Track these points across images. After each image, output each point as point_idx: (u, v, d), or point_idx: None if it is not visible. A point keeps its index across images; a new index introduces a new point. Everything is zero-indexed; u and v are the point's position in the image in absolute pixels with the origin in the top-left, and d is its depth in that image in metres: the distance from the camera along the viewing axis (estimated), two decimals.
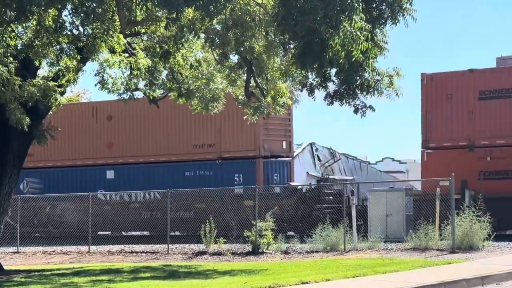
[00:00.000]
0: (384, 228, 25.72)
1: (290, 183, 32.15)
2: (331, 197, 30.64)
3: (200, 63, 21.79)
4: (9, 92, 18.47)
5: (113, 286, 17.35)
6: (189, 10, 15.97)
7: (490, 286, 16.05)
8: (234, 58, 21.34)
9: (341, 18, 14.71)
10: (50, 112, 22.77)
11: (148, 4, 15.88)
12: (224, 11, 15.77)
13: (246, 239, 25.48)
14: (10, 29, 17.64)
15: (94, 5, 17.14)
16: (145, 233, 34.17)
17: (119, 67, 19.34)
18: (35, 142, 22.93)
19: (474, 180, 28.06)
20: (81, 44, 18.57)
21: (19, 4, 15.83)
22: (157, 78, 21.78)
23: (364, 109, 19.16)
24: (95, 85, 19.57)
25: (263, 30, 18.62)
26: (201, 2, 14.64)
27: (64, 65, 19.17)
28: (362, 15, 15.06)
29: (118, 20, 17.77)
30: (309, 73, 18.84)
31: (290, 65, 19.95)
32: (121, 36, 18.15)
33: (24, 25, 17.94)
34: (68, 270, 22.02)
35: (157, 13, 17.89)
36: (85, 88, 57.95)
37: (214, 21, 17.50)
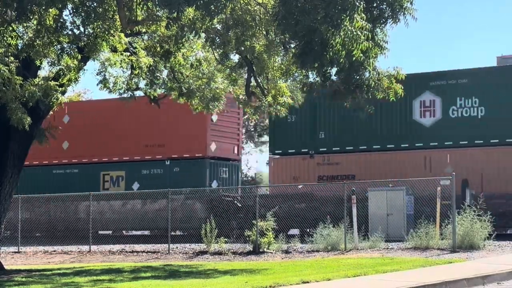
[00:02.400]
0: (385, 228, 25.70)
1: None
2: None
3: (201, 63, 21.82)
4: (10, 92, 18.48)
5: (114, 285, 17.34)
6: (190, 9, 15.99)
7: (491, 285, 16.04)
8: (234, 57, 21.36)
9: (342, 17, 14.71)
10: (51, 112, 22.80)
11: (148, 3, 15.89)
12: (224, 10, 15.79)
13: (247, 238, 25.49)
14: (11, 28, 17.65)
15: (95, 4, 17.15)
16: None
17: (120, 66, 19.36)
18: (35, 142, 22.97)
19: None
20: (82, 43, 18.57)
21: (19, 3, 15.84)
22: (158, 77, 21.80)
23: (363, 109, 19.16)
24: (97, 84, 19.61)
25: (263, 29, 18.63)
26: (201, 1, 14.66)
27: (65, 65, 19.18)
28: (363, 15, 15.07)
29: (118, 19, 17.78)
30: (310, 73, 18.85)
31: (291, 65, 19.97)
32: (122, 35, 18.17)
33: (24, 24, 17.94)
34: (69, 270, 22.03)
35: (158, 13, 17.89)
36: (85, 88, 58.10)
37: (215, 20, 17.50)
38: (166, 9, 15.57)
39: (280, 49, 19.56)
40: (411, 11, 16.42)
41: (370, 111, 19.21)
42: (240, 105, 23.62)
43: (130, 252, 27.52)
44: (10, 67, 18.47)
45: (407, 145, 30.95)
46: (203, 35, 19.01)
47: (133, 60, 19.58)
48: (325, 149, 32.50)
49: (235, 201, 32.60)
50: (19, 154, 22.01)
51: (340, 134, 32.32)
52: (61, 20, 18.09)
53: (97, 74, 19.45)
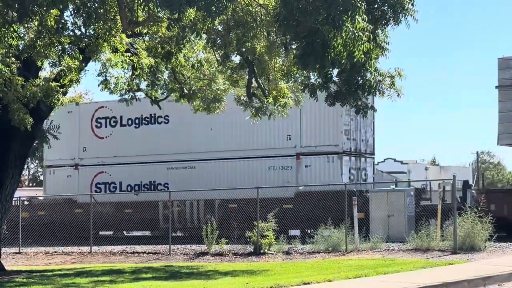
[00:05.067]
0: (386, 229, 25.70)
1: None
2: None
3: (202, 64, 21.80)
4: (12, 93, 18.49)
5: (115, 286, 17.35)
6: (191, 10, 15.97)
7: (492, 287, 16.04)
8: (235, 58, 21.36)
9: (344, 18, 14.71)
10: (52, 113, 22.80)
11: (149, 4, 15.88)
12: (225, 11, 15.77)
13: (248, 239, 25.46)
14: (12, 29, 17.65)
15: (96, 5, 17.16)
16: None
17: (121, 67, 19.35)
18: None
19: None
20: (83, 44, 18.57)
21: (21, 4, 15.85)
22: (159, 78, 21.79)
23: (365, 110, 19.17)
24: (98, 85, 19.60)
25: (264, 30, 18.62)
26: (203, 2, 14.65)
27: (66, 66, 19.18)
28: (364, 16, 15.07)
29: (120, 20, 17.77)
30: (311, 74, 18.84)
31: (292, 66, 19.96)
32: (123, 35, 18.16)
33: (26, 25, 17.94)
34: (70, 271, 22.03)
35: (159, 14, 17.88)
36: (87, 88, 58.00)
37: (216, 21, 17.50)
38: (167, 10, 15.56)
39: (281, 50, 19.55)
40: (412, 12, 16.43)
41: (372, 111, 19.22)
42: (241, 106, 23.57)
43: (131, 253, 27.51)
44: (11, 67, 18.48)
45: None
46: (204, 36, 19.00)
47: (134, 61, 19.57)
48: None
49: None
50: (20, 155, 22.01)
51: None
52: (62, 21, 18.09)
53: (98, 75, 19.45)
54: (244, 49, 19.26)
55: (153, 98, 23.19)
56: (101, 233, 33.62)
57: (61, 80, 19.72)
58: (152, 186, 35.01)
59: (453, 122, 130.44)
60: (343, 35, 14.88)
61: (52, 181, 37.07)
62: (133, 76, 20.97)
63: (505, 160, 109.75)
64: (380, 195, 27.29)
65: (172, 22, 16.03)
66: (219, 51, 20.56)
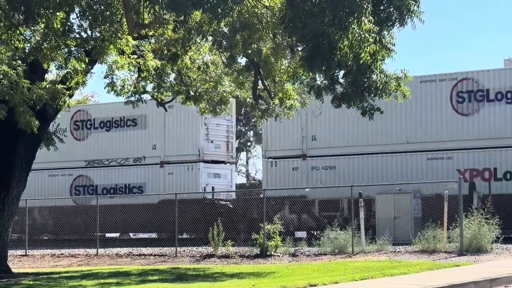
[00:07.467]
0: (392, 231, 25.67)
1: None
2: None
3: (208, 66, 21.82)
4: (18, 95, 18.53)
5: None
6: (197, 12, 15.99)
7: None
8: (241, 60, 21.39)
9: (350, 20, 14.71)
10: (58, 115, 22.84)
11: (155, 7, 15.91)
12: (231, 13, 15.79)
13: (254, 241, 25.44)
14: (18, 32, 17.70)
15: (102, 8, 17.20)
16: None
17: (128, 69, 19.38)
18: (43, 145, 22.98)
19: None
20: (89, 46, 18.61)
21: (27, 7, 15.89)
22: (165, 80, 21.81)
23: (372, 111, 19.15)
24: (104, 87, 19.62)
25: (270, 32, 18.65)
26: (208, 4, 14.67)
27: (72, 68, 19.22)
28: (371, 17, 15.07)
29: (126, 23, 17.80)
30: (317, 76, 18.84)
31: (298, 68, 19.97)
32: (129, 37, 18.18)
33: (32, 28, 17.99)
34: (76, 273, 22.05)
35: (165, 16, 17.91)
36: (93, 91, 58.16)
37: (222, 23, 17.52)
38: (173, 12, 15.59)
39: (287, 52, 19.57)
40: (418, 14, 16.41)
41: (378, 113, 19.19)
42: (247, 108, 23.61)
43: (137, 255, 27.52)
44: (18, 70, 18.52)
45: None
46: (210, 38, 19.02)
47: (140, 63, 19.60)
48: None
49: None
50: (26, 157, 22.04)
51: None
52: (69, 23, 18.13)
53: (104, 77, 19.49)
54: (250, 51, 19.27)
55: (159, 100, 23.22)
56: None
57: (68, 83, 19.77)
58: None
59: None
60: (349, 36, 14.89)
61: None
62: (139, 78, 20.99)
63: None
64: (386, 197, 27.25)
65: (178, 24, 16.06)
66: (225, 53, 20.58)
